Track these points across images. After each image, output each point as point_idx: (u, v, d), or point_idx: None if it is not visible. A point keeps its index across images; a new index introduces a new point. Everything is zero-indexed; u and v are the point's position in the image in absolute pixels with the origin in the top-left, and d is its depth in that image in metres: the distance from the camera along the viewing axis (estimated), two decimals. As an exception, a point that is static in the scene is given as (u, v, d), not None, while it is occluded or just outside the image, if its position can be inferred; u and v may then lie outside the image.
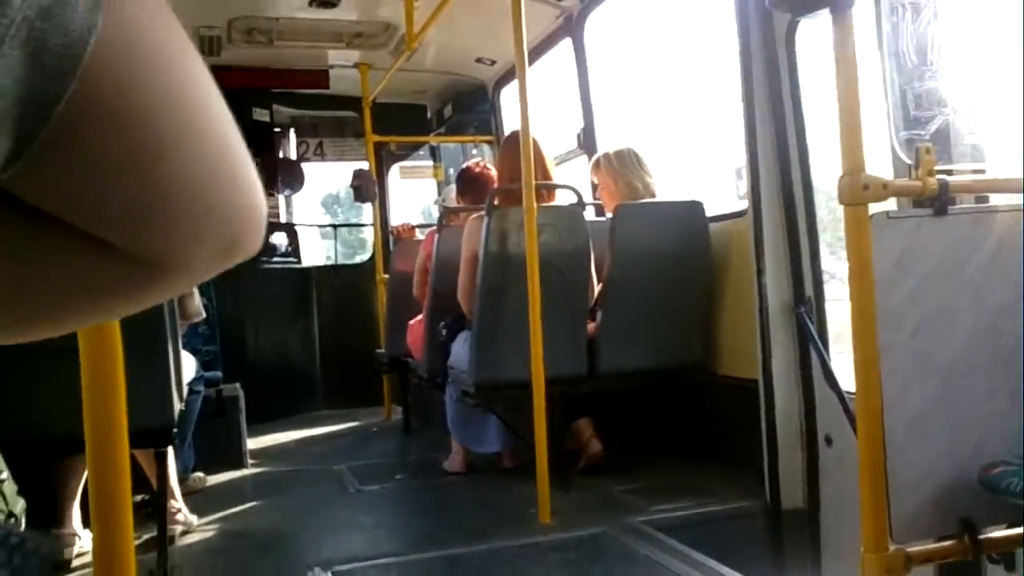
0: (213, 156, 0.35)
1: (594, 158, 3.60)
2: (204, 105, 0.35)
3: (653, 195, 3.44)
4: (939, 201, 1.59)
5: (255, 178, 0.38)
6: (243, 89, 5.09)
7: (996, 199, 2.02)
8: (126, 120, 0.32)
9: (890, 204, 2.00)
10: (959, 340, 1.59)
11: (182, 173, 0.34)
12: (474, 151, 5.72)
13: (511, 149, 3.14)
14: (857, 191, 1.53)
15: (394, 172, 6.07)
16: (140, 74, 0.32)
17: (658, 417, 3.60)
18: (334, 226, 6.20)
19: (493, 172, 3.84)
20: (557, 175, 3.52)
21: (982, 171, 2.13)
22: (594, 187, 4.19)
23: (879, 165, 2.14)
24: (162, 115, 0.33)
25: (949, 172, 1.77)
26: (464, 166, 4.07)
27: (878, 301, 1.50)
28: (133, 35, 0.32)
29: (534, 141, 3.20)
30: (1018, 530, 1.64)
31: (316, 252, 6.28)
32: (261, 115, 5.35)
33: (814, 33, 2.78)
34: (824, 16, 1.60)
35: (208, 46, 4.56)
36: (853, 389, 1.58)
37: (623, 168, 3.44)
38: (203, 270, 0.38)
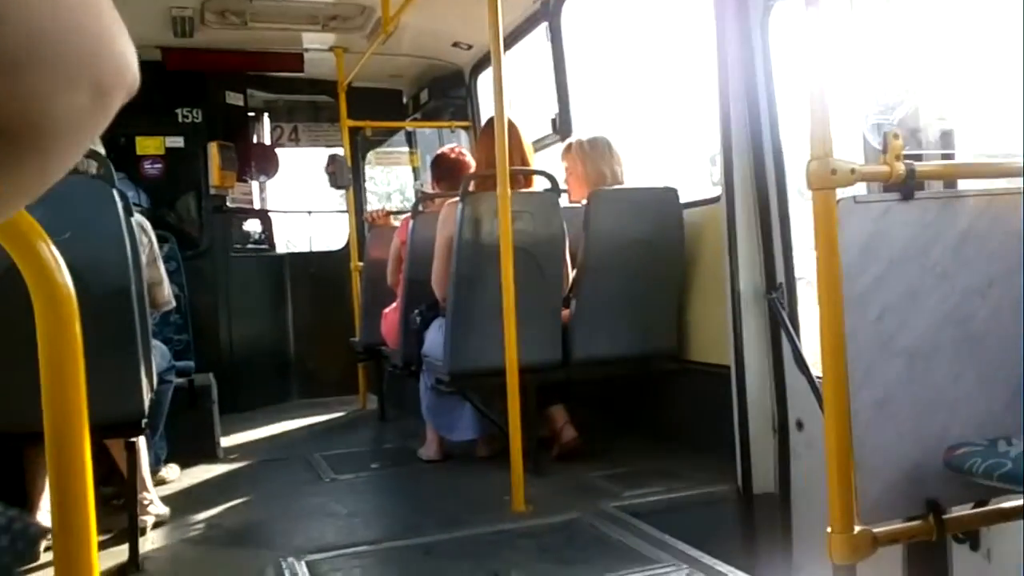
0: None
1: (565, 143, 3.59)
2: None
3: (621, 183, 3.44)
4: (906, 186, 1.60)
5: (115, 18, 0.37)
6: (217, 72, 5.02)
7: (964, 184, 2.04)
8: None
9: (859, 189, 2.01)
10: (925, 324, 1.61)
11: (27, 18, 0.32)
12: (451, 134, 5.68)
13: (490, 134, 3.12)
14: (825, 176, 1.54)
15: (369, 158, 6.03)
16: None
17: (631, 403, 3.61)
18: (309, 212, 6.13)
19: (469, 158, 3.81)
20: (535, 161, 3.51)
21: (951, 156, 2.15)
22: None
23: (852, 150, 2.15)
24: None
25: (917, 157, 1.79)
26: (439, 152, 4.04)
27: (844, 285, 1.51)
28: None
29: (514, 126, 3.19)
30: (982, 509, 1.66)
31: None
32: (235, 99, 5.27)
33: (788, 18, 2.79)
34: (797, 0, 1.60)
35: (181, 27, 4.47)
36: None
37: (594, 154, 3.43)
38: (74, 120, 0.35)
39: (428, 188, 4.35)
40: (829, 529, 1.54)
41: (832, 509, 1.53)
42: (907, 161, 1.60)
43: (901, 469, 1.58)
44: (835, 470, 1.53)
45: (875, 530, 1.55)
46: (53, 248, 0.98)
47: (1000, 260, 1.68)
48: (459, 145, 4.55)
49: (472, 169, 3.63)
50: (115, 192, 2.30)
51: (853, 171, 1.55)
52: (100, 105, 0.36)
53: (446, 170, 3.83)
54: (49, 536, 2.50)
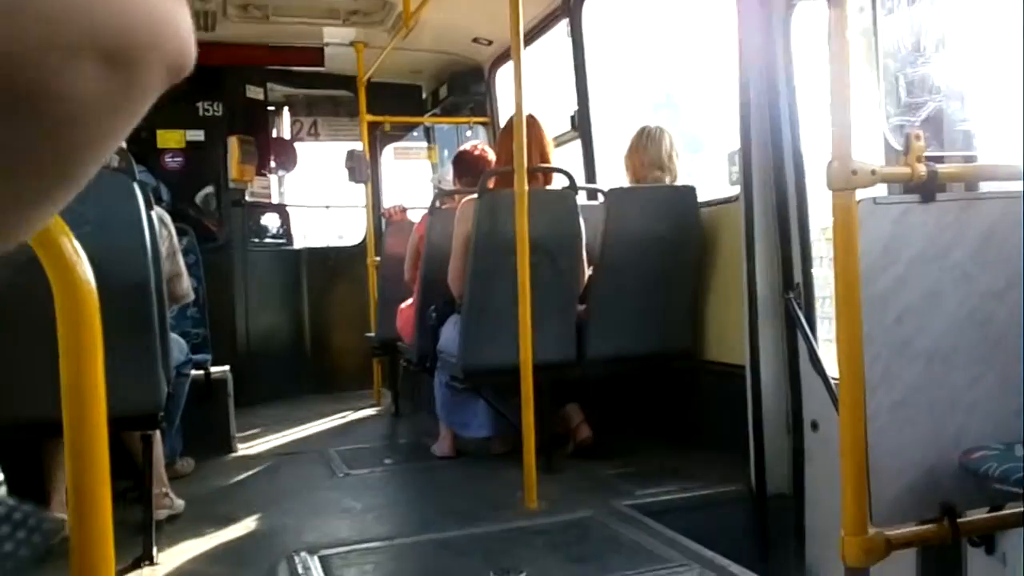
0: None
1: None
2: None
3: (651, 181, 3.42)
4: (927, 187, 1.59)
5: None
6: (237, 66, 5.05)
7: (985, 186, 2.02)
8: None
9: (879, 190, 2.00)
10: (944, 326, 1.59)
11: None
12: (468, 132, 5.69)
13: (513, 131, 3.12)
14: (846, 176, 1.53)
15: (388, 153, 6.04)
16: None
17: (646, 402, 3.60)
18: (327, 207, 6.15)
19: (491, 155, 3.82)
20: (555, 158, 3.50)
21: (972, 158, 2.13)
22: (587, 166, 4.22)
23: (872, 151, 2.13)
24: None
25: (939, 159, 1.77)
26: (461, 149, 4.04)
27: (863, 286, 1.50)
28: None
29: (536, 123, 3.19)
30: (998, 513, 1.65)
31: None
32: (255, 93, 5.30)
33: (810, 18, 2.77)
34: (820, 1, 1.59)
35: (203, 21, 4.51)
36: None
37: (633, 146, 3.46)
38: (96, 95, 0.28)
39: (447, 184, 4.35)
40: (842, 531, 1.53)
41: (846, 511, 1.53)
42: (928, 163, 1.58)
43: (916, 472, 1.57)
44: (850, 472, 1.52)
45: (889, 533, 1.54)
46: (75, 243, 0.99)
47: (1019, 262, 1.66)
48: (481, 142, 4.56)
49: (493, 166, 3.63)
50: (136, 185, 2.32)
51: (874, 172, 1.54)
52: (121, 81, 0.28)
53: (468, 167, 3.84)
54: (64, 529, 2.53)
